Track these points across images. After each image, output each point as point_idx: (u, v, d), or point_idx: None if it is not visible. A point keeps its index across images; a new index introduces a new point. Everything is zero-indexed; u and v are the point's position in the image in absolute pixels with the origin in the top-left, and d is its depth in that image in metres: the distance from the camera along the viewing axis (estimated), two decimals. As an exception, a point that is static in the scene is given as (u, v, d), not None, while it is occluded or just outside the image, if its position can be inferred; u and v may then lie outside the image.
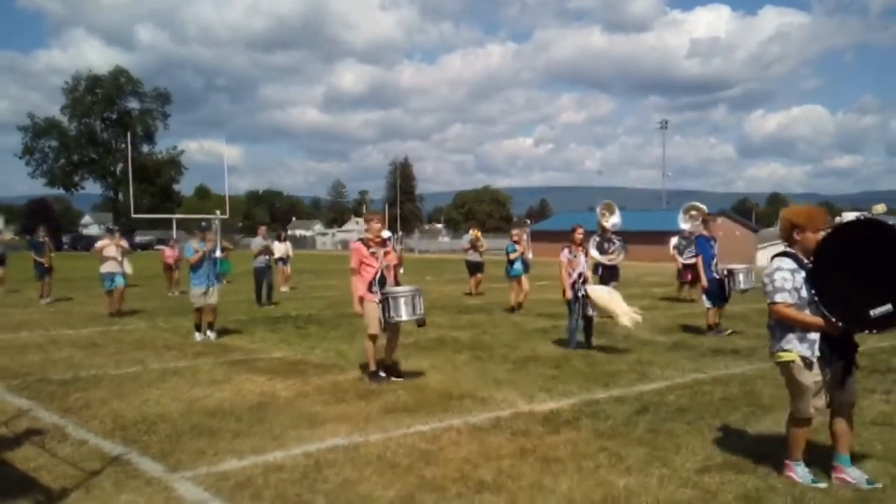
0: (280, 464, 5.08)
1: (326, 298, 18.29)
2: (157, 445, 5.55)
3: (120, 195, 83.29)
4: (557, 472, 4.89)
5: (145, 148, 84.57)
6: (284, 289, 20.05)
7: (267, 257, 16.73)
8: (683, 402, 6.79)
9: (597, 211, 15.93)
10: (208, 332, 11.03)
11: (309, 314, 14.60)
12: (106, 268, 14.44)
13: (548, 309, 15.00)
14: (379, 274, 7.83)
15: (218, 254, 11.34)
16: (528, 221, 17.70)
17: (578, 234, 10.14)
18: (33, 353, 9.82)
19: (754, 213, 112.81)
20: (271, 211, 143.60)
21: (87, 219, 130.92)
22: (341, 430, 5.94)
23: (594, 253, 15.73)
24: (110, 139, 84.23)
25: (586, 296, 9.66)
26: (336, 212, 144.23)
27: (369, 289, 7.80)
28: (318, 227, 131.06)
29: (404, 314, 7.67)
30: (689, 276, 16.56)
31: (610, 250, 15.14)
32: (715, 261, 11.49)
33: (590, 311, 9.71)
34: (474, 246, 19.15)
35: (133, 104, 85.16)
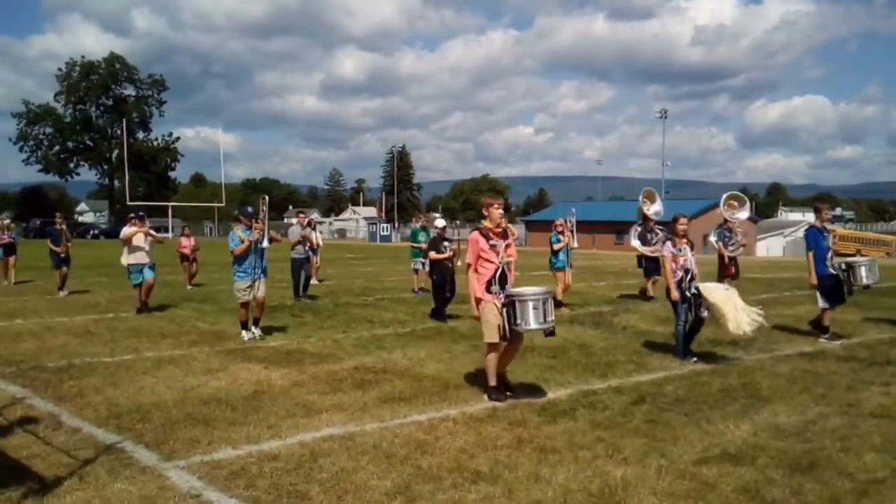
0: (275, 453, 5.05)
1: (323, 287, 18.24)
2: (151, 434, 5.51)
3: (115, 182, 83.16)
4: (554, 462, 4.86)
5: (141, 135, 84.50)
6: (314, 281, 18.43)
7: (307, 247, 15.37)
8: (681, 393, 6.77)
9: (639, 199, 15.25)
10: (255, 329, 10.05)
11: (305, 303, 14.54)
12: (133, 258, 12.84)
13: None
14: (500, 271, 6.59)
15: (265, 244, 9.97)
16: (574, 211, 16.56)
17: (682, 225, 8.62)
18: (28, 341, 9.77)
19: (754, 203, 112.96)
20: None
21: (82, 206, 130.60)
22: (337, 419, 5.91)
23: (636, 243, 15.10)
24: (105, 126, 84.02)
25: (699, 295, 8.32)
26: (333, 200, 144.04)
27: (488, 288, 6.55)
28: (316, 215, 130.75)
29: (532, 322, 6.40)
30: (734, 270, 15.46)
31: (653, 241, 14.67)
32: (830, 254, 10.09)
33: (703, 313, 8.30)
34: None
35: (128, 91, 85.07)
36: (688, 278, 8.35)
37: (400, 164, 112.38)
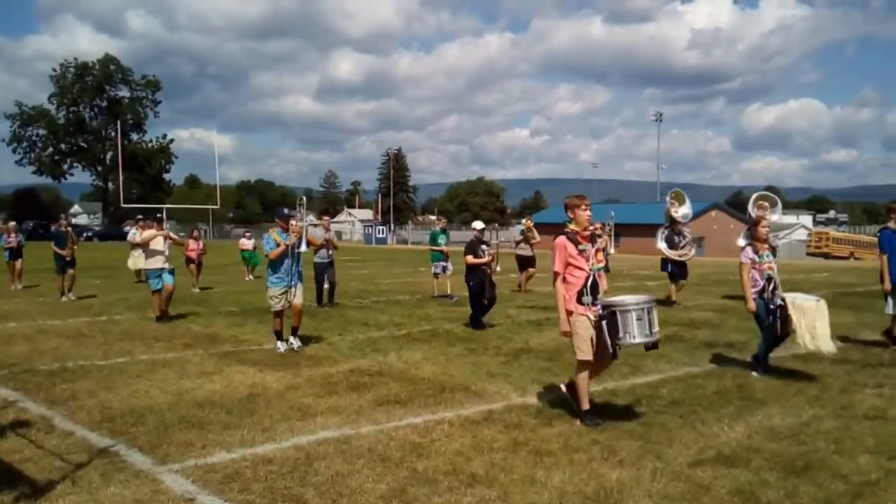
0: (270, 456, 5.03)
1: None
2: (144, 437, 5.48)
3: (109, 184, 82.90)
4: (550, 465, 4.86)
5: (135, 136, 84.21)
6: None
7: (331, 252, 14.35)
8: (676, 396, 6.77)
9: (666, 200, 14.68)
10: (292, 340, 9.32)
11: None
12: (152, 263, 12.09)
13: (541, 301, 14.96)
14: (591, 279, 5.93)
15: (303, 248, 9.30)
16: (613, 214, 16.05)
17: (764, 228, 7.91)
18: (20, 344, 9.73)
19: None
20: (262, 201, 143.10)
21: (76, 208, 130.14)
22: (332, 422, 5.89)
23: (662, 246, 14.35)
24: (100, 127, 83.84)
25: (784, 307, 7.54)
26: (329, 203, 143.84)
27: (578, 299, 5.89)
28: (311, 218, 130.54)
29: (637, 334, 5.78)
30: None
31: (681, 245, 14.11)
32: None
33: (792, 327, 7.46)
34: (526, 238, 17.04)
35: (123, 92, 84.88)
36: (770, 287, 7.65)
37: (396, 167, 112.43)
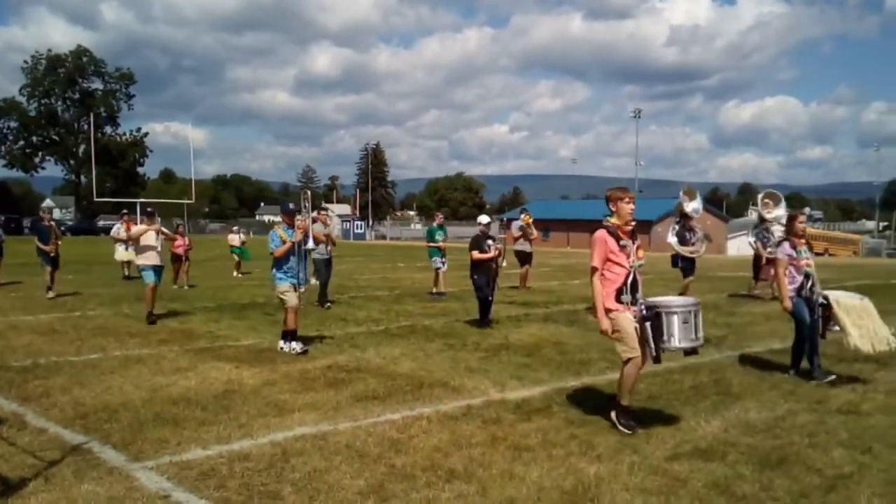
0: (246, 453, 4.98)
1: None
2: (118, 434, 5.41)
3: (82, 178, 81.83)
4: (528, 459, 4.87)
5: (108, 130, 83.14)
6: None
7: (329, 248, 13.90)
8: (654, 390, 6.81)
9: (679, 196, 14.37)
10: (294, 343, 8.78)
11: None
12: (144, 259, 11.59)
13: (521, 297, 14.99)
14: (631, 276, 5.57)
15: (310, 245, 9.05)
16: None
17: (801, 223, 7.60)
18: (-9, 340, 9.56)
19: (725, 203, 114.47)
20: (239, 196, 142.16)
21: (48, 202, 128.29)
22: (309, 418, 5.86)
23: (672, 241, 14.01)
24: (72, 120, 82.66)
25: (827, 306, 7.17)
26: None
27: (618, 297, 5.57)
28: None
29: (681, 339, 5.45)
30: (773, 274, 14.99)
31: (692, 241, 13.74)
32: None
33: (833, 328, 7.14)
34: (525, 234, 16.61)
35: (96, 84, 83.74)
36: (808, 284, 7.32)
37: (374, 162, 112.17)
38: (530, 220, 16.69)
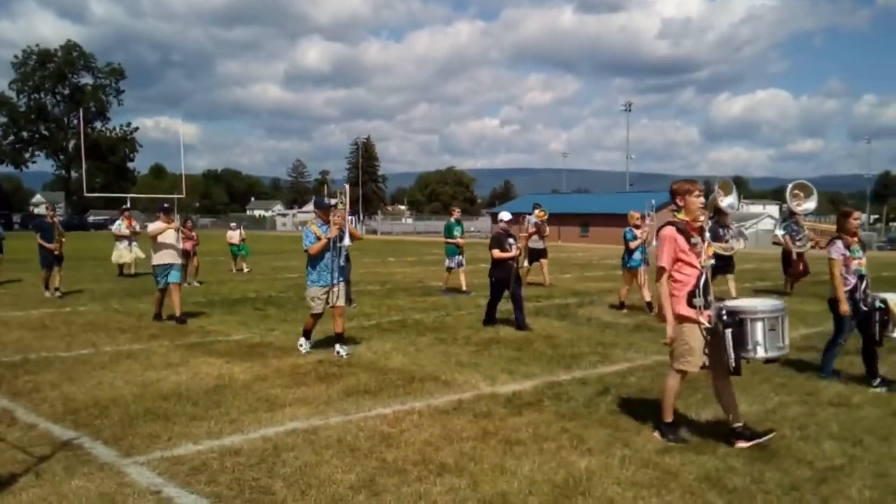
0: (237, 448, 4.97)
1: (287, 280, 18.08)
2: (109, 430, 5.39)
3: (72, 173, 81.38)
4: (519, 453, 4.87)
5: (98, 124, 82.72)
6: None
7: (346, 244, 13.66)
8: (645, 384, 6.83)
9: (714, 190, 13.84)
10: (338, 348, 8.25)
11: (269, 296, 14.40)
12: (161, 258, 10.79)
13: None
14: (704, 278, 5.12)
15: (346, 242, 8.39)
16: (654, 202, 14.73)
17: (855, 220, 7.17)
18: (-20, 335, 9.50)
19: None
20: (229, 191, 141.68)
21: (37, 197, 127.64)
22: (301, 413, 5.84)
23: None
24: (62, 115, 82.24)
25: (885, 309, 6.76)
26: (296, 192, 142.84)
27: (689, 301, 5.08)
28: (278, 207, 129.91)
29: (767, 347, 5.02)
30: (802, 267, 13.92)
31: (725, 237, 13.18)
32: None
33: (892, 333, 6.73)
34: (539, 230, 15.98)
35: (86, 79, 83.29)
36: (863, 286, 6.95)
37: (365, 156, 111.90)
38: (545, 217, 16.14)
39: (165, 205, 11.67)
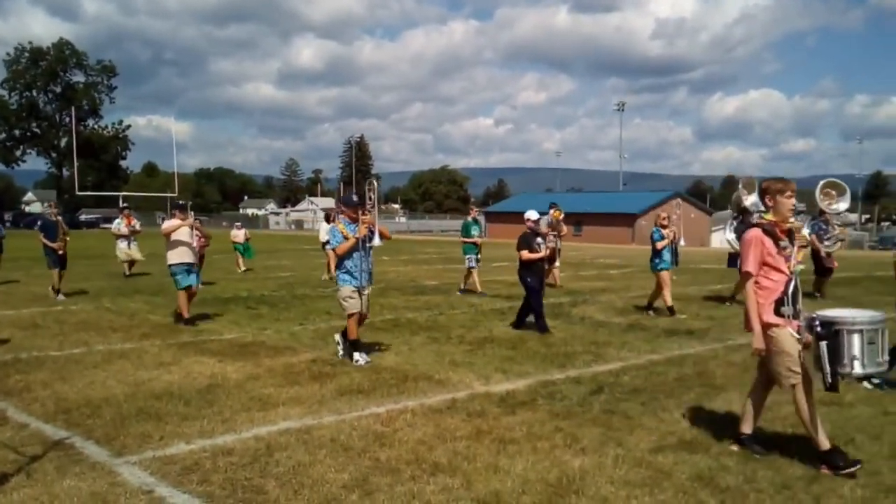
0: (230, 447, 4.95)
1: (279, 279, 18.05)
2: (101, 429, 5.36)
3: (64, 171, 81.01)
4: (513, 452, 4.87)
5: (90, 122, 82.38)
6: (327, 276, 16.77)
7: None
8: (638, 383, 6.84)
9: (738, 189, 13.33)
10: (357, 354, 7.77)
11: (261, 294, 14.36)
12: (177, 257, 10.31)
13: (505, 290, 15.01)
14: (793, 284, 4.76)
15: (376, 242, 7.94)
16: (680, 202, 14.16)
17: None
18: (-29, 334, 9.43)
19: (709, 195, 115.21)
20: (222, 189, 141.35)
21: (29, 195, 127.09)
22: (294, 412, 5.83)
23: (730, 238, 12.91)
24: (54, 113, 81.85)
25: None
26: (289, 191, 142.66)
27: (777, 309, 4.72)
28: (271, 206, 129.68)
29: (866, 363, 4.63)
30: (830, 268, 13.38)
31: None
32: None
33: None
34: (555, 229, 15.30)
35: (78, 77, 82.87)
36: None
37: (358, 155, 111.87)
38: (561, 216, 15.71)
39: (181, 202, 11.31)
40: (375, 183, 8.36)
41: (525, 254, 9.87)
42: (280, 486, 4.29)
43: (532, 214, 10.26)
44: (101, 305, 12.47)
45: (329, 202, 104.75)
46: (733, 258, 12.90)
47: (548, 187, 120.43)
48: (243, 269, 20.20)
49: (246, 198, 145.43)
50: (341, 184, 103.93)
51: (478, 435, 5.25)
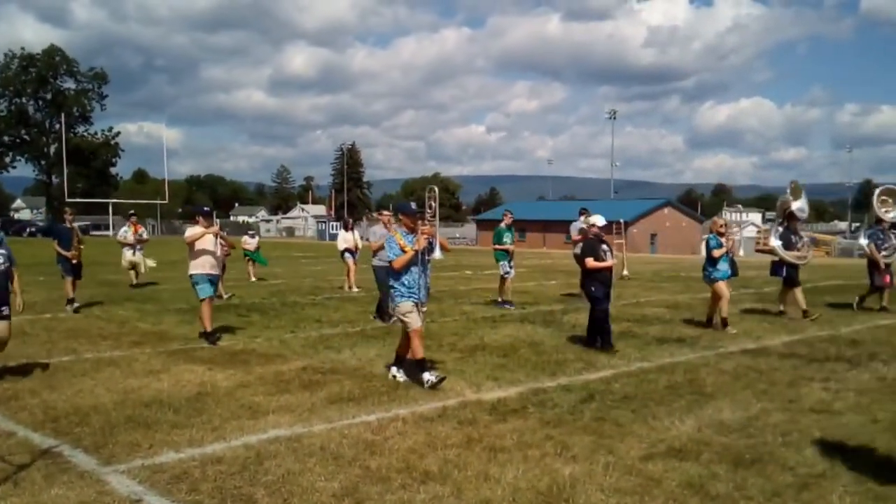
0: (219, 456, 4.92)
1: (270, 286, 17.99)
2: (89, 438, 5.32)
3: (53, 178, 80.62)
4: (504, 461, 4.86)
5: (81, 129, 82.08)
6: (356, 289, 16.55)
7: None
8: (629, 391, 6.85)
9: (786, 192, 12.68)
10: (426, 374, 7.03)
11: (252, 302, 14.31)
12: (199, 267, 9.57)
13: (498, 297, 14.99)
14: None
15: (437, 255, 7.40)
16: (740, 207, 13.76)
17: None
18: (-42, 342, 9.35)
19: (700, 203, 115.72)
20: (213, 196, 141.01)
21: (18, 202, 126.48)
22: (284, 420, 5.80)
23: (776, 244, 12.14)
24: (44, 120, 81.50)
25: None
26: (281, 198, 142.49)
27: None
28: (263, 213, 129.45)
29: None
30: (888, 280, 12.62)
31: (797, 245, 12.08)
32: None
33: None
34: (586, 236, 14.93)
35: (68, 84, 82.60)
36: None
37: (350, 162, 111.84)
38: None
39: (206, 208, 10.79)
40: (436, 190, 7.78)
41: (591, 262, 9.09)
42: (269, 495, 4.27)
43: (599, 220, 9.50)
44: (91, 313, 12.40)
45: (320, 209, 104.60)
46: (777, 267, 12.32)
47: (540, 195, 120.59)
48: (254, 278, 19.96)
49: (237, 205, 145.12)
50: (333, 191, 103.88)
51: (468, 443, 5.24)
